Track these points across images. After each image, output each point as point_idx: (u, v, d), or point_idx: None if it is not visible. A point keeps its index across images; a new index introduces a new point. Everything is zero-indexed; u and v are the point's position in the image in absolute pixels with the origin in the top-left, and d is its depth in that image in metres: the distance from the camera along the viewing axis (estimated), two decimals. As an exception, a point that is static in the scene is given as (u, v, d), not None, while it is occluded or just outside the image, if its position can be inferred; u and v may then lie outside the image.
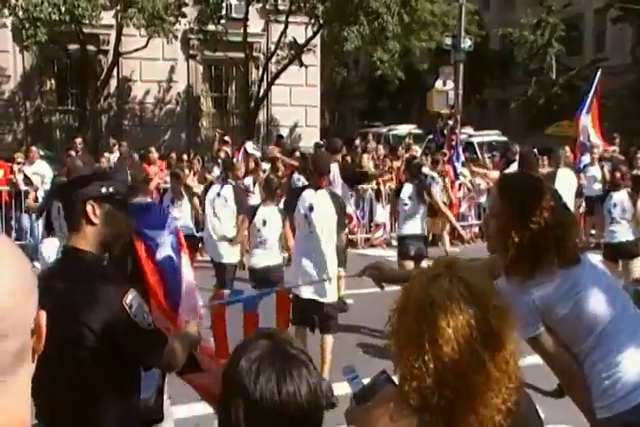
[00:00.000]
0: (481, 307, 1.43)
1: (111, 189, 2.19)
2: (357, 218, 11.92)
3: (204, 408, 4.40)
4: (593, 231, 8.08)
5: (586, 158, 10.78)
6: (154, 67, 18.56)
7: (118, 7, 14.70)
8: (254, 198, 9.56)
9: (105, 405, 2.19)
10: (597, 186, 10.38)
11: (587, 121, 10.32)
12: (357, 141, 17.08)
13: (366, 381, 1.71)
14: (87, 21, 14.41)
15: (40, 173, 10.36)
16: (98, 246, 2.20)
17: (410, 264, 6.67)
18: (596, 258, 2.50)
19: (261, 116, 19.83)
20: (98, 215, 2.16)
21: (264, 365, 1.33)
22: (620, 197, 6.93)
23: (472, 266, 1.54)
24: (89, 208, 2.15)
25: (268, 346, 1.38)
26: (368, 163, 12.50)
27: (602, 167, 10.49)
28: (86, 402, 2.19)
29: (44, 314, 0.96)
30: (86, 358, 2.11)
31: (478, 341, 1.41)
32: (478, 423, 1.42)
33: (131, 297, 2.12)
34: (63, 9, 13.61)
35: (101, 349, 2.11)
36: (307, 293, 4.95)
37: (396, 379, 1.54)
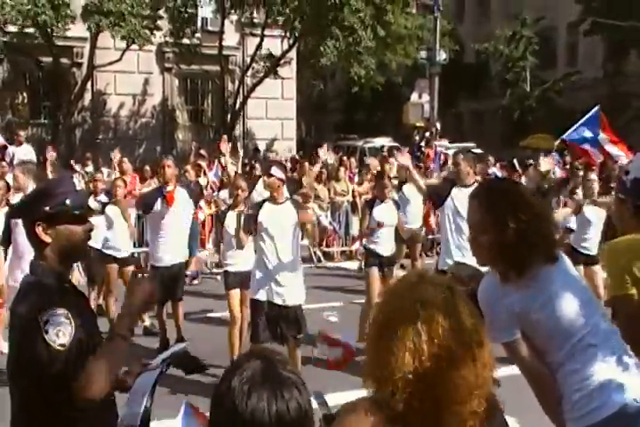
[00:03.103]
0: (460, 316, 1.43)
1: (56, 207, 2.19)
2: (334, 230, 11.86)
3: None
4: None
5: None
6: (128, 80, 18.46)
7: (94, 18, 14.56)
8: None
9: None
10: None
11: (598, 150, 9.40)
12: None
13: (340, 394, 1.66)
14: (51, 30, 14.27)
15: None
16: (58, 261, 2.23)
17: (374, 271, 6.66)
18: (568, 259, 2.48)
19: (237, 130, 19.78)
20: (49, 234, 2.19)
21: (255, 386, 1.34)
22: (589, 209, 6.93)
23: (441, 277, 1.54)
24: (38, 230, 2.19)
25: (260, 367, 1.38)
26: (345, 176, 12.48)
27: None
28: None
29: None
30: (15, 377, 2.07)
31: (459, 343, 1.40)
32: None
33: (50, 313, 2.03)
34: (26, 15, 13.50)
35: (21, 366, 2.04)
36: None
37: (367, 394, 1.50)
